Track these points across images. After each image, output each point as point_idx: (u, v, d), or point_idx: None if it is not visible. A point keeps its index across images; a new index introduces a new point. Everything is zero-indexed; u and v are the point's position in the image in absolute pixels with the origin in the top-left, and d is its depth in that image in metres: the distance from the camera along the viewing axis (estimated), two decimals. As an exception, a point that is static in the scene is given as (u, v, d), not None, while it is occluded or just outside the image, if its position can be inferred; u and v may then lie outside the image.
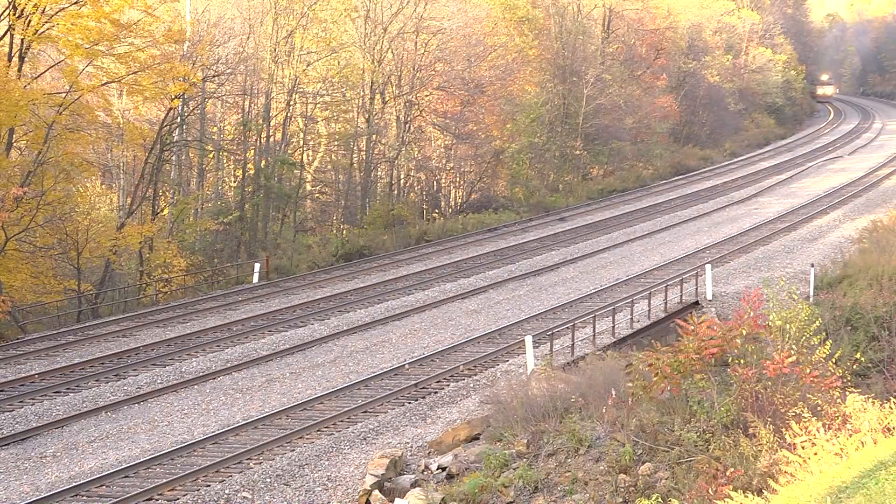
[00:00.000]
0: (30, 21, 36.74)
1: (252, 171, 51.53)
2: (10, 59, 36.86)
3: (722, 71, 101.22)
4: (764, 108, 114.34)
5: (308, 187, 57.59)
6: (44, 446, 24.48)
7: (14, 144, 38.35)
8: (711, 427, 19.71)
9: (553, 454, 21.24)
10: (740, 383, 19.60)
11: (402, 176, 58.54)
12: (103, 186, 48.28)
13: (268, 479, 22.10)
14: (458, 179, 63.69)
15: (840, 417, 18.00)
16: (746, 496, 15.04)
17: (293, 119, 53.95)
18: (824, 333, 20.87)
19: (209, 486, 21.73)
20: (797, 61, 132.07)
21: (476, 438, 23.70)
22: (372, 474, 21.57)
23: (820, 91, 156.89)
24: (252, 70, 51.25)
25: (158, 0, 41.16)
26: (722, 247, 46.78)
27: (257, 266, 43.41)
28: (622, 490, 19.61)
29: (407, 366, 29.84)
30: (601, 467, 20.35)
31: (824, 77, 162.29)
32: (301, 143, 56.05)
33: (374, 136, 55.87)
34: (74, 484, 21.76)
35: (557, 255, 47.01)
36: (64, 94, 38.46)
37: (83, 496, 21.35)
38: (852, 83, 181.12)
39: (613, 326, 32.24)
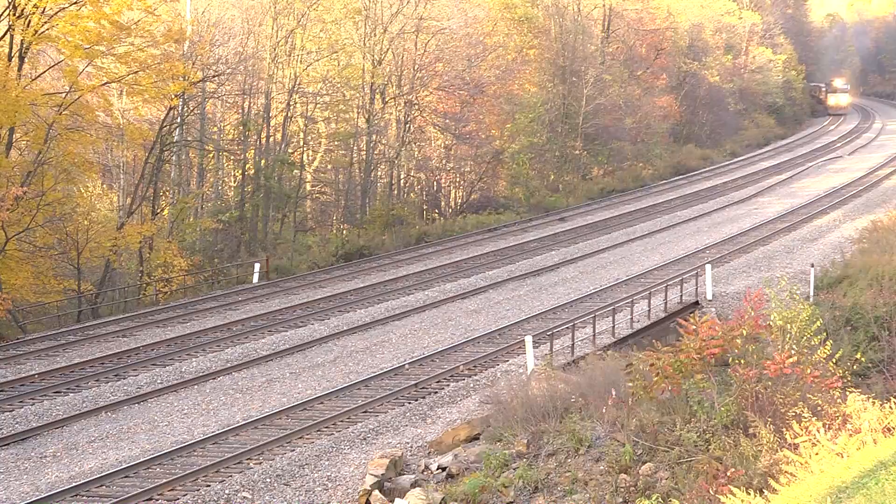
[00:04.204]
0: (30, 21, 36.75)
1: (252, 171, 51.52)
2: (10, 59, 36.88)
3: (722, 71, 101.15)
4: (764, 108, 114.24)
5: (308, 187, 57.59)
6: (44, 446, 24.46)
7: (14, 144, 38.34)
8: (712, 427, 19.69)
9: (553, 454, 21.23)
10: (741, 383, 19.58)
11: (402, 176, 58.54)
12: (103, 186, 48.27)
13: (268, 479, 22.10)
14: (458, 179, 63.68)
15: (840, 417, 18.02)
16: (748, 493, 15.03)
17: (293, 119, 53.95)
18: (825, 333, 20.85)
19: (209, 486, 21.72)
20: (797, 61, 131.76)
21: (476, 438, 23.68)
22: (372, 474, 21.55)
23: (832, 101, 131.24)
24: (252, 70, 51.24)
25: (159, 0, 41.16)
26: (722, 247, 46.76)
27: (257, 266, 43.41)
28: (622, 490, 19.61)
29: (407, 366, 29.83)
30: (601, 467, 20.34)
31: (838, 82, 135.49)
32: (301, 143, 56.04)
33: (374, 136, 55.86)
34: (74, 484, 21.75)
35: (557, 255, 46.99)
36: (64, 94, 38.48)
37: (83, 496, 21.35)
38: (852, 83, 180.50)
39: (613, 326, 32.22)
